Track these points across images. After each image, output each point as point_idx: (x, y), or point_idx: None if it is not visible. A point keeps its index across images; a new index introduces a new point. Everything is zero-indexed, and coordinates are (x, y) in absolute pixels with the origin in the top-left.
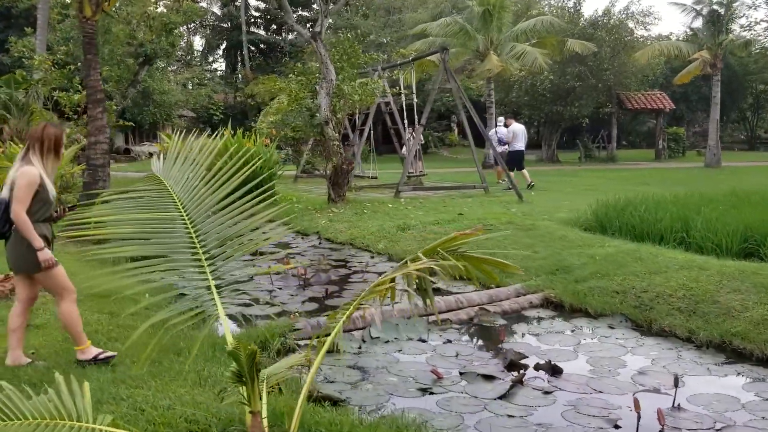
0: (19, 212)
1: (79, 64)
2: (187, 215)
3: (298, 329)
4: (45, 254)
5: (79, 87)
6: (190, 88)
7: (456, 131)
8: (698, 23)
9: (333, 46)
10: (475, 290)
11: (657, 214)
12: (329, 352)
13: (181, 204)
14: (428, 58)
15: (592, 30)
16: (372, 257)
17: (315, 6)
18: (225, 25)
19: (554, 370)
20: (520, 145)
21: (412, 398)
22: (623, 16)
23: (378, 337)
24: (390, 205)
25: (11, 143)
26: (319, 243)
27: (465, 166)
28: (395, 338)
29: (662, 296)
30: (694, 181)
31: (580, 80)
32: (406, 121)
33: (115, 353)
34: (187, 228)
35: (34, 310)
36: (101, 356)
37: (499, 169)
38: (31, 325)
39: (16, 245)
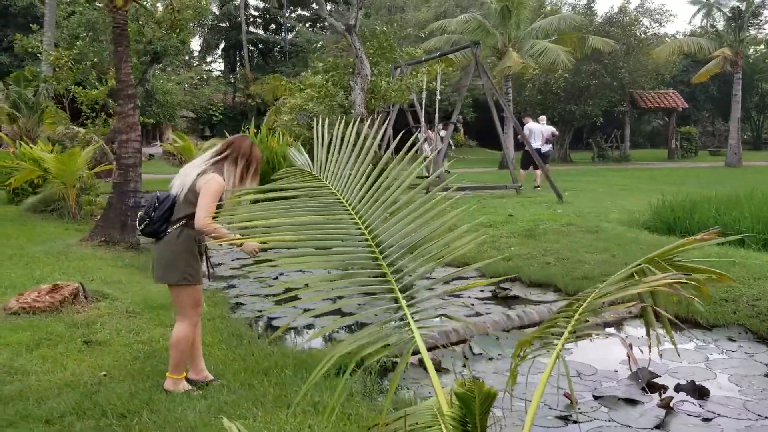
0: (205, 219)
1: (95, 60)
2: (360, 219)
3: (389, 344)
4: (250, 245)
5: (96, 83)
6: (187, 87)
7: (462, 131)
8: (719, 20)
9: (367, 40)
10: (559, 298)
11: (732, 214)
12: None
13: (350, 205)
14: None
15: (607, 27)
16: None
17: (314, 5)
18: (223, 25)
19: (700, 392)
20: (536, 144)
21: (556, 428)
22: (636, 13)
23: (481, 353)
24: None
25: (21, 143)
26: None
27: (476, 167)
28: (499, 354)
29: None
30: (729, 180)
31: (595, 78)
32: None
33: (198, 390)
34: (363, 234)
35: (90, 324)
36: (187, 391)
37: (538, 171)
38: (93, 342)
39: (169, 250)
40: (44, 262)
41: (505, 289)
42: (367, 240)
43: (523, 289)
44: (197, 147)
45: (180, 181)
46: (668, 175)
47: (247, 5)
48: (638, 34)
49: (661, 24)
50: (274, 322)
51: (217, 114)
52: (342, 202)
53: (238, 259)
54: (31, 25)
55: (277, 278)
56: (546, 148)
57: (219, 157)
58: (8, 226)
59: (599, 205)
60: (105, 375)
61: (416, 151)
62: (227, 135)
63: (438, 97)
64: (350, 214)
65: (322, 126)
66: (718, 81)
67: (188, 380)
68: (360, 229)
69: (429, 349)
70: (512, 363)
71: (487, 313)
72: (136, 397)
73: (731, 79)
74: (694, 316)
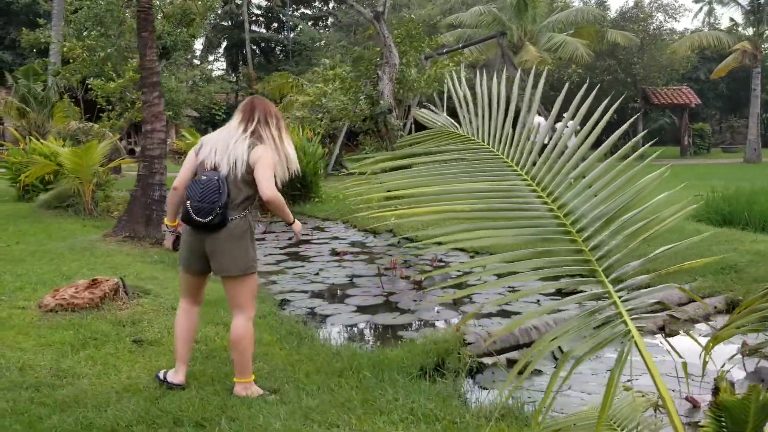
0: (274, 190)
1: (108, 50)
2: (538, 185)
3: (470, 343)
4: (298, 226)
5: (113, 75)
6: (190, 85)
7: None
8: (737, 13)
9: (395, 28)
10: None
11: None
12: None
13: (522, 169)
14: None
15: (622, 22)
16: (471, 257)
17: (317, 3)
18: (226, 24)
19: None
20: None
21: None
22: (650, 8)
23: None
24: None
25: (31, 138)
26: (398, 242)
27: None
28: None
29: None
30: (753, 176)
31: (609, 74)
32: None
33: (272, 394)
34: (546, 204)
35: (136, 322)
36: (261, 395)
37: None
38: (143, 341)
39: (234, 239)
40: (69, 258)
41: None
42: (552, 210)
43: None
44: None
45: (227, 160)
46: (689, 172)
47: (249, 3)
48: (652, 29)
49: (676, 19)
50: (329, 320)
51: (220, 113)
52: (512, 166)
53: (271, 254)
54: (37, 19)
55: (317, 274)
56: None
57: (254, 126)
58: (23, 223)
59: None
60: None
61: None
62: None
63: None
64: (525, 179)
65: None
66: (727, 78)
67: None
68: (541, 197)
69: (511, 348)
70: (705, 362)
71: (561, 310)
72: (208, 402)
73: (742, 76)
74: None
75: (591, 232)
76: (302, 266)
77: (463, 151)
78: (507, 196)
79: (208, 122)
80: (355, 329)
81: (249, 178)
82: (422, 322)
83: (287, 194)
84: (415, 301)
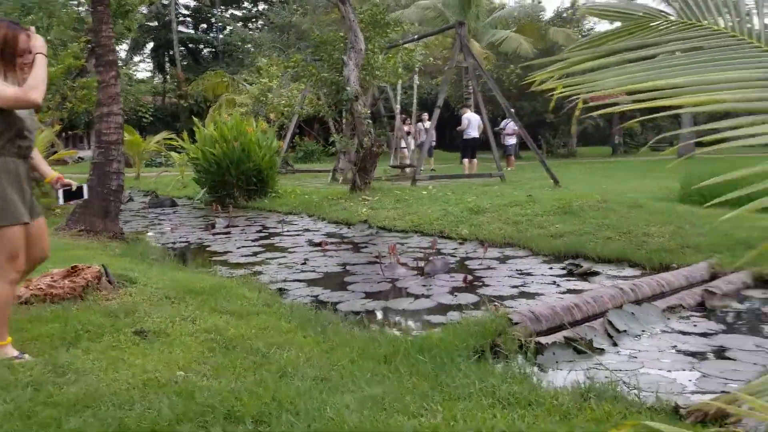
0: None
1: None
2: None
3: (517, 323)
4: None
5: (52, 61)
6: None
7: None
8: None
9: (360, 13)
10: (644, 273)
11: None
12: (580, 351)
13: None
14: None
15: (559, 22)
16: (461, 243)
17: (246, 4)
18: (152, 24)
19: None
20: (474, 133)
21: None
22: (584, 9)
23: (625, 331)
24: (424, 192)
25: None
26: (376, 232)
27: (440, 162)
28: (643, 330)
29: None
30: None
31: None
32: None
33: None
34: None
35: (130, 312)
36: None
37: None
38: (147, 332)
39: None
40: None
41: (579, 265)
42: None
43: (592, 265)
44: (145, 142)
45: None
46: (640, 166)
47: (176, 3)
48: (586, 29)
49: (611, 22)
50: (340, 306)
51: (147, 116)
52: None
53: (244, 246)
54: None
55: (305, 263)
56: (511, 141)
57: None
58: None
59: (602, 188)
60: (185, 374)
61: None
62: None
63: (416, 83)
64: None
65: None
66: None
67: None
68: None
69: (558, 328)
70: None
71: (582, 290)
72: (257, 395)
73: None
74: None
75: None
76: (284, 257)
77: (692, 39)
78: None
79: (135, 124)
80: (376, 315)
81: None
82: (442, 306)
83: (243, 189)
84: (424, 286)
